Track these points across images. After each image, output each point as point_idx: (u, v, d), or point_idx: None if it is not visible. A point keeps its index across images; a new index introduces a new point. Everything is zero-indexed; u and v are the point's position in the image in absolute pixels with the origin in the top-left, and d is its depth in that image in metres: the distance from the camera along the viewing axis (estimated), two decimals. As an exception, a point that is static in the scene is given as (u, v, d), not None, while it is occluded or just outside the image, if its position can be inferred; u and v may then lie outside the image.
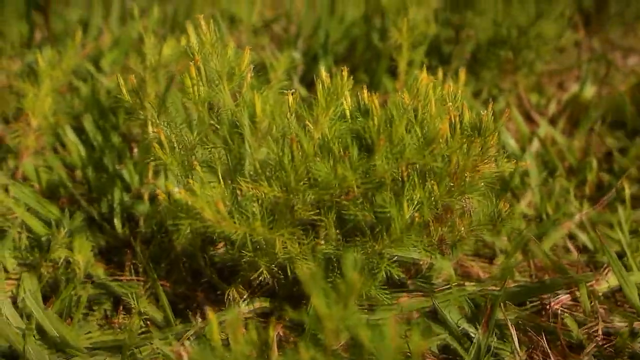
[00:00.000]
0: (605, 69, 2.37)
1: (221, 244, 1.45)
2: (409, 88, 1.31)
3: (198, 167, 1.22)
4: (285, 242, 1.18)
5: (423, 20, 1.69)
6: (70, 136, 1.72)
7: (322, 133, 1.16)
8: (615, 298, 1.43)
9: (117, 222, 1.55)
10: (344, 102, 1.29)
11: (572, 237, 1.64)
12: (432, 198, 1.18)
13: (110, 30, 2.19)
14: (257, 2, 2.39)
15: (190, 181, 1.10)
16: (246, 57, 1.23)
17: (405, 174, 1.17)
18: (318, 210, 1.19)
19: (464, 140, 1.18)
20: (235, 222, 1.12)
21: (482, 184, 1.23)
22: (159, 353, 1.25)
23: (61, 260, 1.43)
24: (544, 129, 1.99)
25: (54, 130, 1.76)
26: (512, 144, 1.90)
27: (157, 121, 1.34)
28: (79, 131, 1.77)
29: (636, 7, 2.73)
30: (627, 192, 1.69)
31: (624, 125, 2.12)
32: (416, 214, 1.13)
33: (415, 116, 1.21)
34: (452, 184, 1.18)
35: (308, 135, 1.14)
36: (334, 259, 1.24)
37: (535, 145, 1.92)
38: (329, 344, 0.83)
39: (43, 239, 1.49)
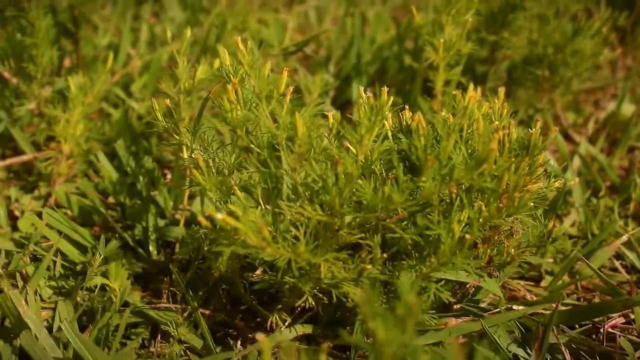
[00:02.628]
0: (643, 86, 2.33)
1: (259, 270, 1.42)
2: (453, 106, 1.27)
3: (238, 192, 1.19)
4: (330, 267, 1.14)
5: (459, 39, 1.65)
6: (103, 162, 1.69)
7: (365, 154, 1.13)
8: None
9: (152, 248, 1.53)
10: (386, 122, 1.25)
11: (619, 257, 1.59)
12: (481, 219, 1.14)
13: (140, 56, 2.17)
14: (287, 26, 2.37)
15: (232, 206, 1.07)
16: (284, 78, 1.20)
17: (453, 194, 1.13)
18: (363, 234, 1.15)
19: (513, 159, 1.14)
20: (279, 248, 1.08)
21: (531, 203, 1.18)
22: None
23: (97, 287, 1.39)
24: (583, 147, 1.95)
25: (86, 157, 1.74)
26: (552, 163, 1.86)
27: (194, 145, 1.32)
28: (111, 157, 1.75)
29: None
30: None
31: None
32: (466, 236, 1.09)
33: (460, 135, 1.18)
34: (501, 204, 1.13)
35: (352, 156, 1.10)
36: (380, 283, 1.20)
37: (576, 164, 1.88)
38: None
39: (78, 266, 1.46)
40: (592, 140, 2.09)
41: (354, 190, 1.09)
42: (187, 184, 1.25)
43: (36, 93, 1.77)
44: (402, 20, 2.39)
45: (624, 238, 1.55)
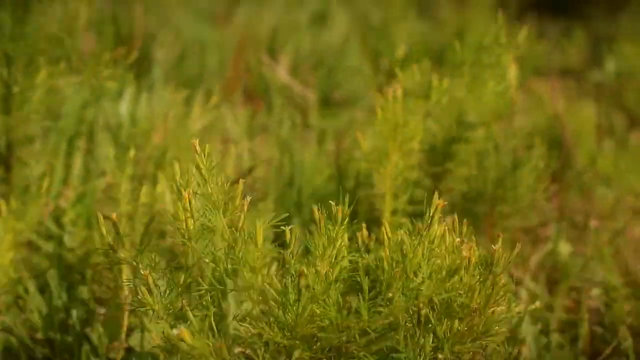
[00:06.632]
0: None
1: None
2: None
3: (190, 314, 1.11)
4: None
5: (406, 168, 1.66)
6: (33, 293, 1.59)
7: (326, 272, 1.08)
8: None
9: (84, 390, 1.41)
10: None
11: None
12: (451, 340, 1.09)
13: (74, 188, 2.10)
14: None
15: (183, 329, 0.98)
16: (240, 187, 1.14)
17: (422, 312, 1.08)
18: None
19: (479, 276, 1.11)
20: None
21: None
22: None
23: None
24: (527, 284, 1.95)
25: (15, 288, 1.63)
26: (500, 297, 1.84)
27: (140, 265, 1.24)
28: (42, 291, 1.64)
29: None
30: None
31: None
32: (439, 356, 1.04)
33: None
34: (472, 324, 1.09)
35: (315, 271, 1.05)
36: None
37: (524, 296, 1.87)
38: None
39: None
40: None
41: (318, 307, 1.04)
42: (133, 304, 1.17)
43: (-39, 221, 1.67)
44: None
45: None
